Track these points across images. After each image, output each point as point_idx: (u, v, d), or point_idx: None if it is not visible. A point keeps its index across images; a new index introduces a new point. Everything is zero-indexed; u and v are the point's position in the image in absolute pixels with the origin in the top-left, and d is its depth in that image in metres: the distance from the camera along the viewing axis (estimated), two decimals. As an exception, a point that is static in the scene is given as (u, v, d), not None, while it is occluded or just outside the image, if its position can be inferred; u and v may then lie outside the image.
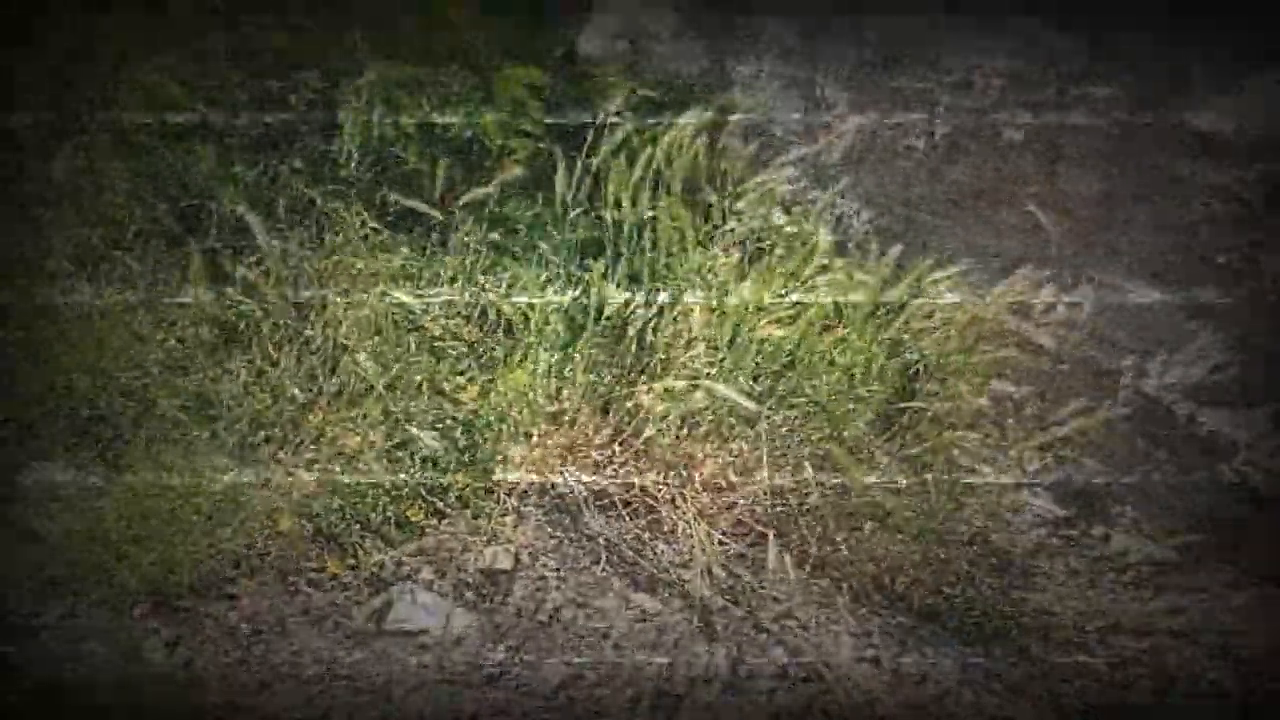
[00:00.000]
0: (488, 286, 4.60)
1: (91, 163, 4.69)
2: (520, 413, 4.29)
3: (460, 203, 4.52)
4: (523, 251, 4.68)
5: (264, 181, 4.92)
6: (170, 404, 4.30)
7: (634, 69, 4.99)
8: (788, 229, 4.40)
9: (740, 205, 4.40)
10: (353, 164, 4.80)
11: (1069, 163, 4.54)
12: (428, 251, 4.75)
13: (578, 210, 4.44)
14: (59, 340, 4.40)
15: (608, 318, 4.39)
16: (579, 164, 4.38)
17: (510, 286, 4.61)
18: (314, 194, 4.82)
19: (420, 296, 4.56)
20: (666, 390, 4.16)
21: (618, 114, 4.49)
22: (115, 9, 5.05)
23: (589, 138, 4.64)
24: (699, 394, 4.17)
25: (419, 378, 4.40)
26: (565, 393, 4.32)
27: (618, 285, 4.42)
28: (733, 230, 4.42)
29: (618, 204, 4.32)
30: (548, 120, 4.86)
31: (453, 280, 4.64)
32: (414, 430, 4.21)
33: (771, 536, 3.96)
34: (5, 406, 4.30)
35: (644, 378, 4.33)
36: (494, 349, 4.52)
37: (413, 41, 4.86)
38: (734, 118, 4.63)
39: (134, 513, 3.95)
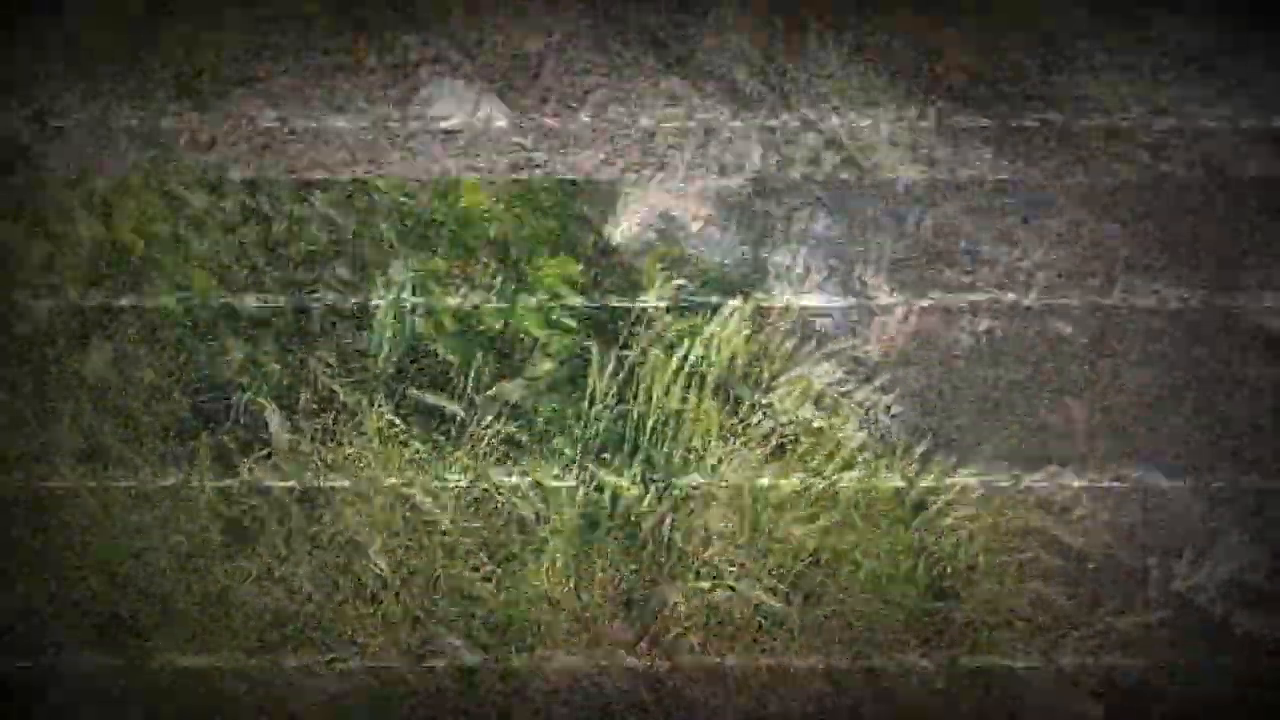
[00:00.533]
0: (498, 483, 4.48)
1: (119, 354, 4.60)
2: (543, 615, 4.13)
3: (484, 395, 4.42)
4: (538, 446, 4.50)
5: (288, 374, 4.75)
6: (188, 602, 4.13)
7: (669, 259, 4.92)
8: (817, 424, 4.28)
9: (772, 399, 4.28)
10: (381, 356, 4.70)
11: (1114, 356, 4.44)
12: (441, 445, 4.63)
13: (602, 404, 4.29)
14: (66, 539, 4.32)
15: (625, 513, 4.28)
16: (613, 357, 4.26)
17: (524, 481, 4.49)
18: (336, 386, 4.70)
19: (430, 493, 4.44)
20: (693, 589, 4.01)
21: (657, 306, 4.38)
22: (142, 199, 4.97)
23: (626, 329, 4.62)
24: (723, 593, 4.01)
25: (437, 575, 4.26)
26: (584, 594, 4.16)
27: (636, 480, 4.31)
28: (759, 425, 4.28)
29: (648, 397, 4.19)
30: (584, 311, 4.77)
31: (465, 473, 4.51)
32: (438, 629, 4.04)
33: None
34: (15, 604, 4.19)
35: (665, 575, 4.16)
36: (509, 545, 4.40)
37: (443, 232, 4.79)
38: (774, 310, 4.52)
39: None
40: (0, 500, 4.47)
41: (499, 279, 4.78)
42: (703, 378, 4.30)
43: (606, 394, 4.36)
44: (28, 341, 4.84)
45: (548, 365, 4.43)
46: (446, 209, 4.87)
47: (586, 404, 4.38)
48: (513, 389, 4.41)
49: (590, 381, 4.35)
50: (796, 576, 4.19)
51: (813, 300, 4.72)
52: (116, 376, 4.76)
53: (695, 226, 4.98)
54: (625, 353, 4.41)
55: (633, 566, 4.26)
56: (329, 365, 4.87)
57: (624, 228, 5.05)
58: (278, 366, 4.84)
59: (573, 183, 5.21)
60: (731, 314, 4.38)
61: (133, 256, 4.98)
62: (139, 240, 4.95)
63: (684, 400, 4.26)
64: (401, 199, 4.92)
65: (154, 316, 4.97)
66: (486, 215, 4.90)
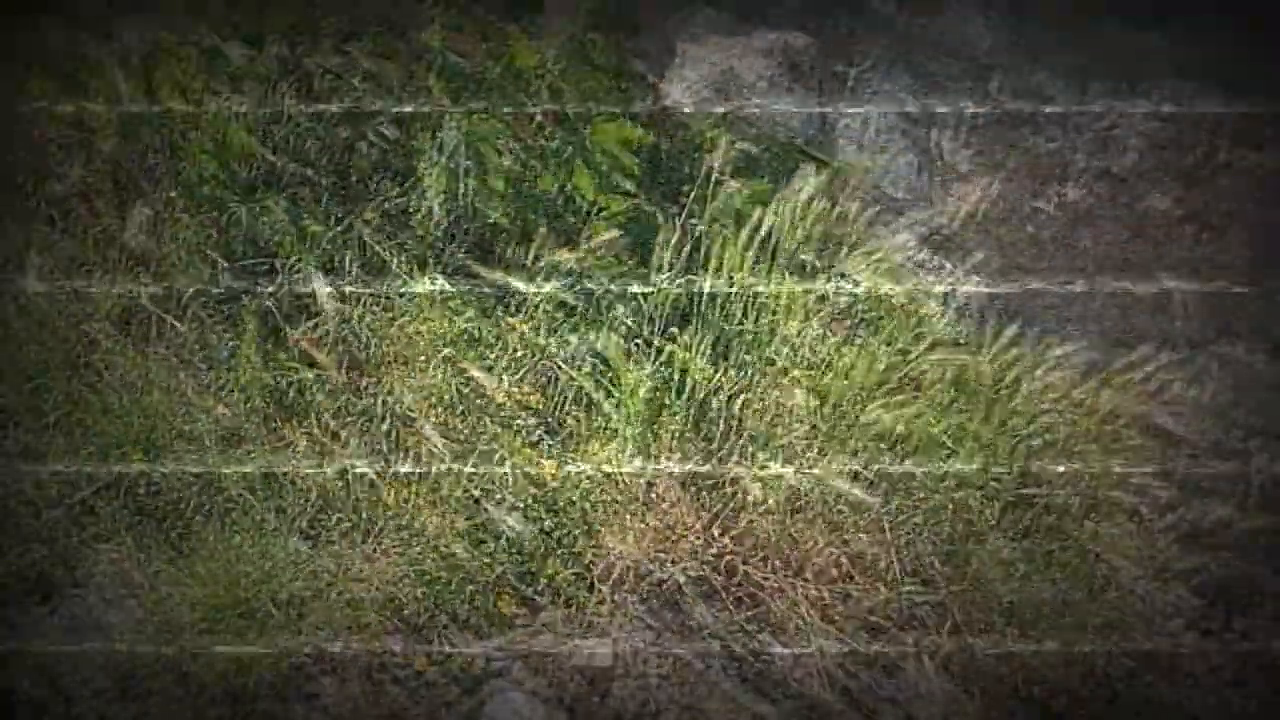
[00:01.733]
0: (559, 355, 4.31)
1: (159, 219, 4.40)
2: (607, 494, 3.97)
3: (541, 264, 4.27)
4: (603, 318, 4.33)
5: (335, 238, 4.59)
6: (232, 481, 3.98)
7: (729, 121, 4.70)
8: (898, 301, 4.10)
9: (848, 274, 4.10)
10: (431, 223, 4.50)
11: (1211, 231, 4.25)
12: (495, 315, 4.48)
13: (667, 275, 4.11)
14: (104, 412, 4.15)
15: (694, 392, 4.08)
16: (676, 226, 4.07)
17: (585, 353, 4.34)
18: (386, 253, 4.51)
19: (485, 364, 4.29)
20: (768, 476, 3.86)
21: (720, 173, 4.18)
22: (179, 55, 4.74)
23: (688, 195, 4.44)
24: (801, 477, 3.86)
25: (495, 453, 4.08)
26: (652, 471, 3.99)
27: (705, 357, 4.16)
28: (837, 302, 4.10)
29: (717, 271, 4.00)
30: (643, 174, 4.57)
31: (519, 349, 4.36)
32: (495, 512, 3.88)
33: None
34: (55, 484, 4.04)
35: (737, 458, 4.00)
36: (568, 421, 4.27)
37: (495, 90, 4.57)
38: (848, 179, 4.31)
39: (206, 603, 3.70)
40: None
41: (554, 140, 4.54)
42: (774, 249, 4.05)
43: (672, 264, 4.11)
44: (62, 203, 4.61)
45: (611, 234, 4.21)
46: (497, 65, 4.61)
47: (654, 274, 4.14)
48: (572, 258, 4.17)
49: (655, 251, 4.09)
50: (880, 462, 3.99)
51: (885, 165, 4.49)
52: (154, 241, 4.51)
53: (759, 84, 4.74)
54: (691, 221, 4.17)
55: (702, 446, 4.07)
56: (375, 229, 4.62)
57: (682, 85, 4.82)
58: (321, 228, 4.57)
59: (630, 32, 4.97)
60: (804, 181, 4.10)
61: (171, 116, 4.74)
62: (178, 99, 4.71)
63: (755, 272, 4.03)
64: (450, 54, 4.67)
65: (192, 177, 4.73)
66: (539, 72, 4.65)
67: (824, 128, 4.75)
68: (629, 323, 4.41)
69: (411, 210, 4.74)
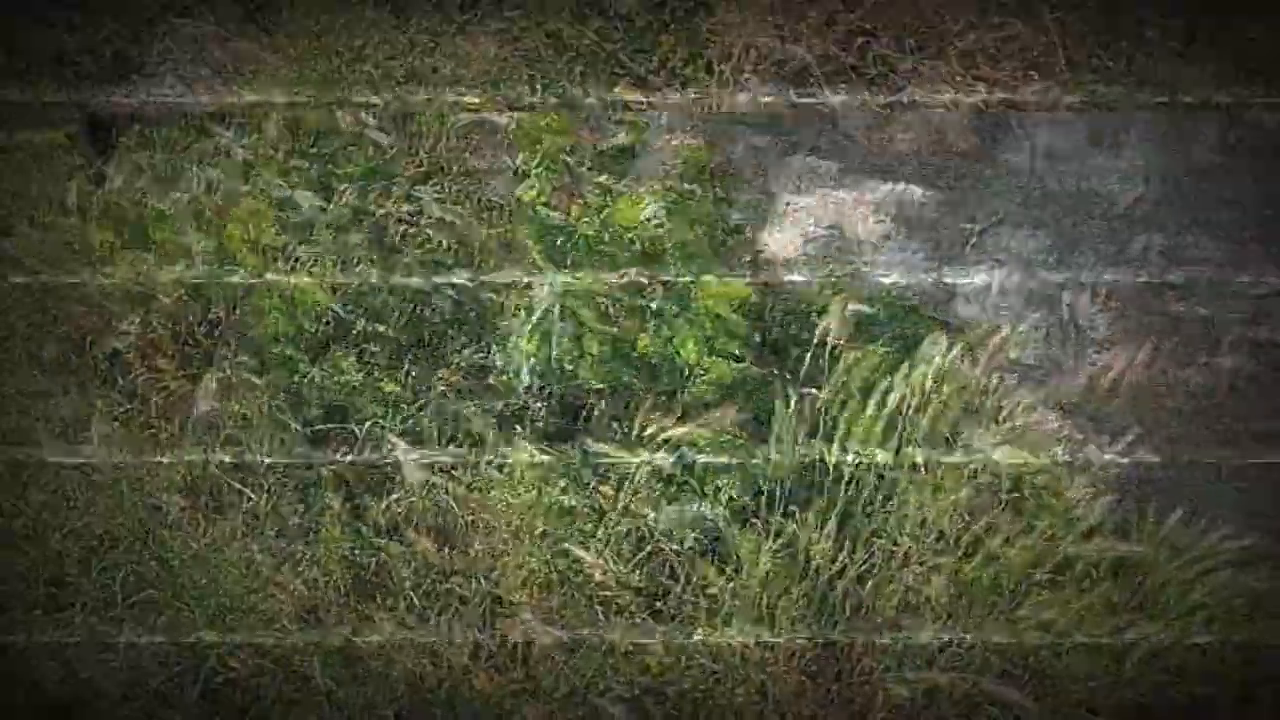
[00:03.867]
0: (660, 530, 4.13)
1: (230, 385, 4.19)
2: (721, 682, 3.71)
3: (646, 433, 4.10)
4: (712, 491, 4.14)
5: (409, 397, 4.46)
6: (311, 664, 3.73)
7: (841, 280, 4.48)
8: (1040, 482, 3.85)
9: (983, 449, 3.85)
10: (521, 386, 4.27)
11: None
12: (589, 486, 4.28)
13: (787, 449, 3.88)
14: (177, 590, 4.04)
15: (816, 572, 3.91)
16: (794, 394, 3.84)
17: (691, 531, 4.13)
18: (471, 414, 4.27)
19: (585, 543, 4.11)
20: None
21: (836, 337, 3.95)
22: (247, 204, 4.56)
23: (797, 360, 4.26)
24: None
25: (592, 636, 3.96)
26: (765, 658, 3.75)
27: (829, 537, 3.94)
28: (973, 477, 3.86)
29: (842, 443, 3.77)
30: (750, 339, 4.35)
31: (619, 520, 4.16)
32: (600, 703, 3.64)
33: None
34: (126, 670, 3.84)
35: (861, 647, 3.76)
36: (669, 599, 4.06)
37: (591, 247, 4.36)
38: (979, 346, 4.06)
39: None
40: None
41: (654, 301, 4.31)
42: (902, 420, 3.81)
43: (793, 438, 3.87)
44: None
45: (729, 409, 3.96)
46: (596, 221, 4.40)
47: (774, 445, 3.90)
48: (684, 431, 3.93)
49: (776, 423, 3.86)
50: (1032, 657, 3.73)
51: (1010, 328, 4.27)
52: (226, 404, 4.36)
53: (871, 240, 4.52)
54: (809, 391, 3.93)
55: (827, 634, 3.82)
56: (457, 391, 4.41)
57: (785, 240, 4.60)
58: (398, 388, 4.40)
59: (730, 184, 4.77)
60: (933, 347, 3.87)
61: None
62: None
63: (884, 446, 3.79)
64: (544, 209, 4.46)
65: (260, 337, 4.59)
66: (635, 228, 4.44)
67: (944, 289, 4.51)
68: (742, 498, 4.15)
69: (497, 371, 4.51)
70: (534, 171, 4.67)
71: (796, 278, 4.66)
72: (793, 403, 4.04)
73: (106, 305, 4.74)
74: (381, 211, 4.99)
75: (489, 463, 4.31)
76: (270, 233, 4.72)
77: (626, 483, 4.17)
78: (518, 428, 4.42)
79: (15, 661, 3.85)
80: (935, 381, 3.98)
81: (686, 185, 4.77)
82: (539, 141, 4.77)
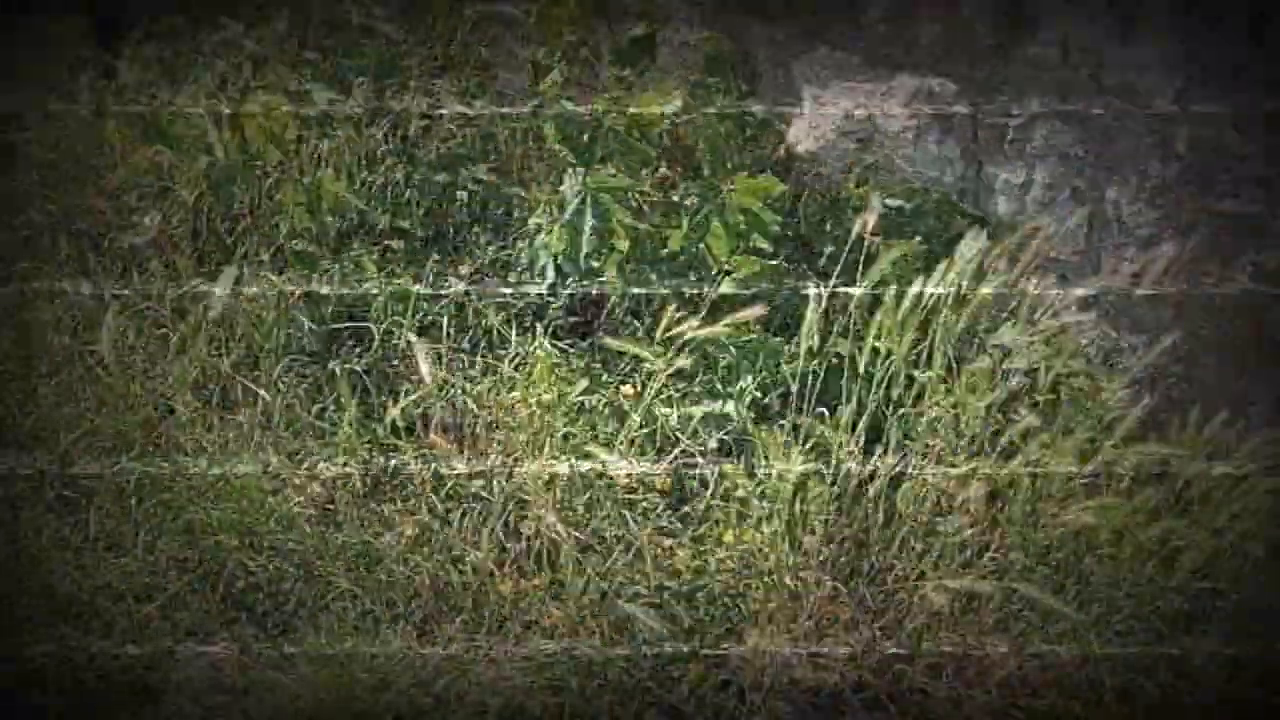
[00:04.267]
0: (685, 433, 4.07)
1: (242, 279, 4.10)
2: (752, 586, 3.65)
3: (670, 336, 3.99)
4: (736, 393, 4.11)
5: (429, 296, 4.43)
6: (331, 567, 3.78)
7: (871, 172, 4.36)
8: (1080, 383, 3.75)
9: (1022, 351, 3.75)
10: (545, 283, 4.18)
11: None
12: (611, 385, 4.27)
13: (814, 348, 3.79)
14: (194, 497, 3.96)
15: (845, 477, 3.83)
16: (824, 294, 3.74)
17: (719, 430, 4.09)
18: (490, 314, 4.19)
19: (607, 443, 4.05)
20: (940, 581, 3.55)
21: (869, 233, 3.84)
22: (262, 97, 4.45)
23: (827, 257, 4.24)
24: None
25: (618, 538, 3.88)
26: (797, 562, 3.73)
27: (858, 440, 3.87)
28: (1010, 381, 3.81)
29: (874, 344, 3.67)
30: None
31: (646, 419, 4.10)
32: (626, 606, 3.56)
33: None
34: (143, 577, 3.82)
35: (895, 551, 3.74)
36: (699, 505, 3.99)
37: (617, 140, 4.25)
38: (1015, 243, 3.94)
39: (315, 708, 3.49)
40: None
41: (688, 196, 4.21)
42: (933, 321, 3.72)
43: (823, 336, 3.77)
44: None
45: (755, 310, 3.86)
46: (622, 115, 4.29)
47: (799, 347, 3.80)
48: (711, 334, 3.85)
49: (806, 321, 3.76)
50: (1066, 563, 3.65)
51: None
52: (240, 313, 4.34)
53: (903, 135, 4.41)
54: (841, 287, 3.84)
55: (859, 537, 3.75)
56: (480, 291, 4.45)
57: (814, 134, 4.49)
58: (418, 288, 4.38)
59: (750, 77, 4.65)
60: (969, 245, 3.77)
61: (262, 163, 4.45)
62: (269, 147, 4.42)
63: (916, 348, 3.70)
64: (567, 101, 4.35)
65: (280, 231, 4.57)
66: (662, 121, 4.33)
67: (980, 183, 4.39)
68: (768, 399, 4.11)
69: (519, 269, 4.42)
70: (555, 65, 4.54)
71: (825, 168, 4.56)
72: (823, 300, 3.91)
73: (124, 200, 4.68)
74: (399, 107, 4.89)
75: (510, 361, 4.25)
76: (292, 127, 4.61)
77: (650, 382, 4.07)
78: (538, 326, 4.36)
79: (26, 564, 3.78)
80: (971, 280, 3.87)
81: (709, 79, 4.66)
82: (559, 34, 4.64)
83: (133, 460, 3.99)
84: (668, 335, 3.99)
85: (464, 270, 4.61)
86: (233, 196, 4.55)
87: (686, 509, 4.02)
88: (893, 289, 3.83)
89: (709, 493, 3.99)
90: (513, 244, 4.64)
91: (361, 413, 4.14)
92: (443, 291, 4.43)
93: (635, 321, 4.40)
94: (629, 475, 4.03)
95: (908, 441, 3.87)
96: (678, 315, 4.01)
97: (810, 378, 3.94)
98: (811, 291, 3.91)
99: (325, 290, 4.39)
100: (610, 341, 4.18)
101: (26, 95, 4.87)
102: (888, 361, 3.83)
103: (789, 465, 3.79)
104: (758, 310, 3.94)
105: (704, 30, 4.84)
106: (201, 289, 4.30)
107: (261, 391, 4.20)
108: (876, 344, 3.82)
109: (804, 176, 4.61)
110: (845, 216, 4.33)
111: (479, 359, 4.29)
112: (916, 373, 3.87)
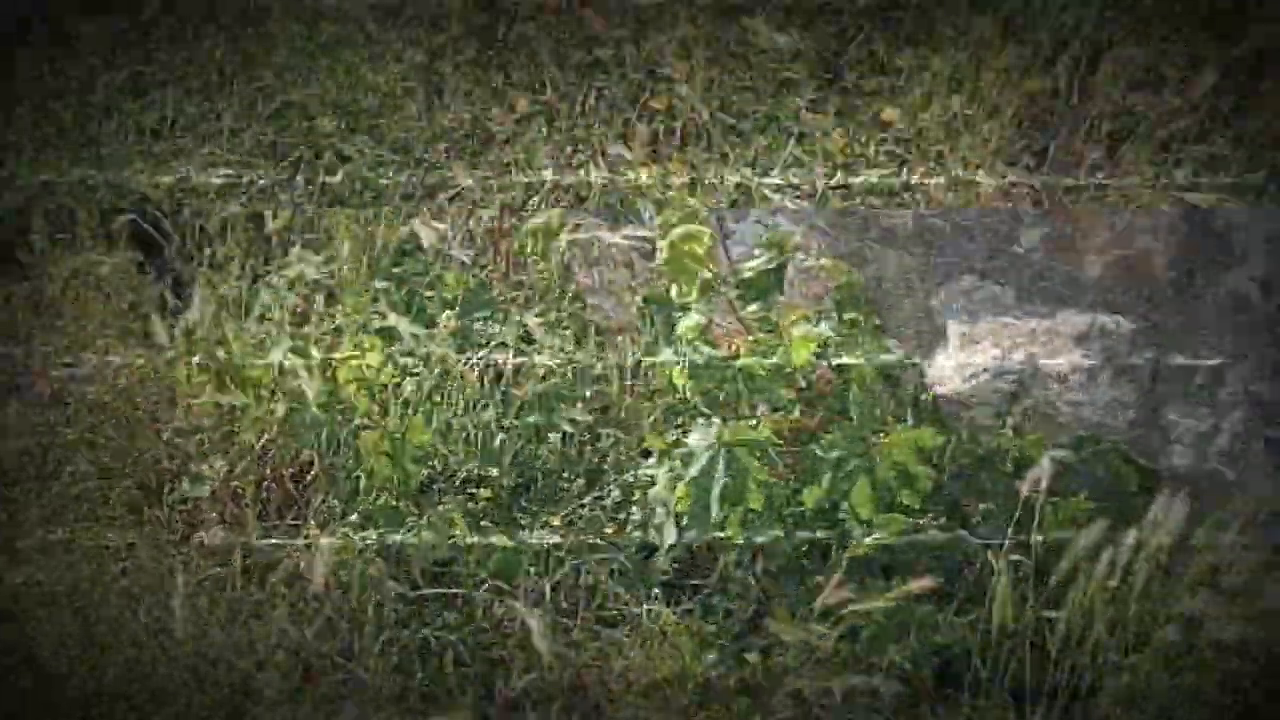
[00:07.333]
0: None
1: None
2: None
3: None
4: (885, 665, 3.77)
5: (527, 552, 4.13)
6: None
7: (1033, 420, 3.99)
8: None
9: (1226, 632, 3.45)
10: (665, 544, 3.92)
11: None
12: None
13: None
14: None
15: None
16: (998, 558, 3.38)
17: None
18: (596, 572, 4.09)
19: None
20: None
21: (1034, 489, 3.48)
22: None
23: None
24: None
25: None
26: None
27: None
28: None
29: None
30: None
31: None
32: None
33: None
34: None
35: None
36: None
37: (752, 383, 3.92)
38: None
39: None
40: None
41: (831, 449, 3.83)
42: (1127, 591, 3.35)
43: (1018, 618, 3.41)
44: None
45: (926, 581, 3.48)
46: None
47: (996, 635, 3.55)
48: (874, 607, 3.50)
49: (998, 597, 3.39)
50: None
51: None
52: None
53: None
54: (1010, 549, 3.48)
55: None
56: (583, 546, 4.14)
57: (959, 373, 4.12)
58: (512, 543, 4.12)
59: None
60: (1162, 512, 3.39)
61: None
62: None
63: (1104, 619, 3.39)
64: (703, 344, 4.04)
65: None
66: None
67: (1155, 430, 4.00)
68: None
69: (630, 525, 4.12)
70: (693, 305, 4.16)
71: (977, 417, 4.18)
72: (1002, 564, 3.55)
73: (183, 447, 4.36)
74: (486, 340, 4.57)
75: (625, 631, 3.95)
76: (386, 371, 4.27)
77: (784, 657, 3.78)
78: (656, 592, 4.07)
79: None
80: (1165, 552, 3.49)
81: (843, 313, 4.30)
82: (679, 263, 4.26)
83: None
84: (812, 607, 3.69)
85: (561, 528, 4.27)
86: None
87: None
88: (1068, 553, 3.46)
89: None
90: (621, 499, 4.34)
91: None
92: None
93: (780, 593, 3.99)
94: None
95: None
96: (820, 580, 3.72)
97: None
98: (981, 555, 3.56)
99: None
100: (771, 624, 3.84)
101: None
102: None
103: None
104: (922, 580, 3.56)
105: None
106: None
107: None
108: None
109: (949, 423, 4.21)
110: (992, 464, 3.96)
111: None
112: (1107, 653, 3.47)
